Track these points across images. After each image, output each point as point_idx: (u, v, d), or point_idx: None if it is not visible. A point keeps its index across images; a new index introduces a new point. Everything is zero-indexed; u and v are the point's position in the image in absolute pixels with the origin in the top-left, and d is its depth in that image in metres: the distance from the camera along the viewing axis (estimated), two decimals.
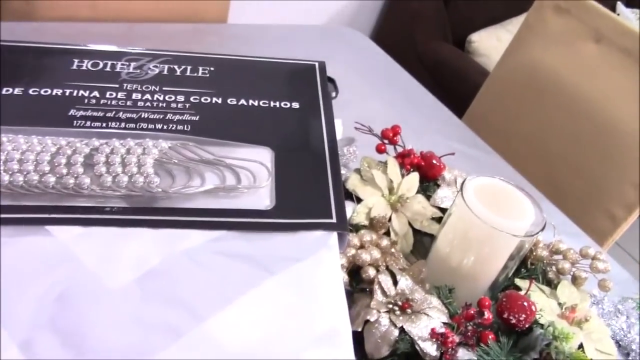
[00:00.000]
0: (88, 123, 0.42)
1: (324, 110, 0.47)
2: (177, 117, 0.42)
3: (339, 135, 0.65)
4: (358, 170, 0.61)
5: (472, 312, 0.48)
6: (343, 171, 0.60)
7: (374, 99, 0.96)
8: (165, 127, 0.42)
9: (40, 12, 0.89)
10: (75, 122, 0.42)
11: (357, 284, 0.50)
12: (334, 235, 0.41)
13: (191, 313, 0.33)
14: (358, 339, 0.47)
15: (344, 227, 0.41)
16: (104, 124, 0.42)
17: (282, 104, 0.47)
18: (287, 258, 0.38)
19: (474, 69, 1.73)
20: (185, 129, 0.42)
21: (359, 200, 0.58)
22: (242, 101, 0.46)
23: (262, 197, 0.41)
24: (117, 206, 0.38)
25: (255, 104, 0.46)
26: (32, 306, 0.32)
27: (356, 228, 0.55)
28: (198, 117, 0.43)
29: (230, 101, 0.45)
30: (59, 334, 0.31)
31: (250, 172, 0.41)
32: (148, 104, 0.43)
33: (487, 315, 0.47)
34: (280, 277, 0.36)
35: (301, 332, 0.35)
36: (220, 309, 0.33)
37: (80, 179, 0.38)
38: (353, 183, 0.60)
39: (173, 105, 0.43)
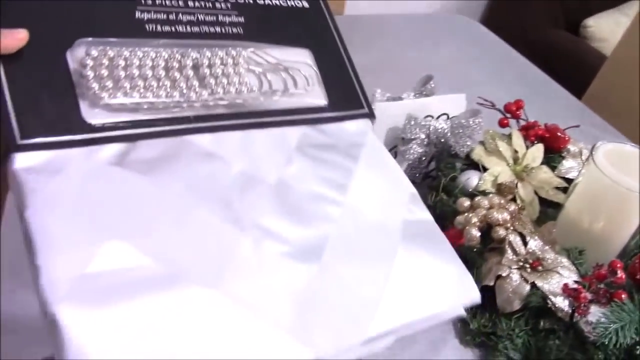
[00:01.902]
0: (159, 27, 0.42)
1: (327, 11, 0.50)
2: (227, 18, 0.45)
3: (462, 109, 0.67)
4: (482, 142, 0.64)
5: (603, 272, 0.49)
6: (468, 142, 0.63)
7: (490, 83, 0.97)
8: (222, 30, 0.44)
9: None
10: (147, 26, 0.41)
11: (487, 244, 0.53)
12: (369, 122, 0.47)
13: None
14: (490, 293, 0.50)
15: (373, 115, 0.47)
16: (172, 29, 0.42)
17: (296, 2, 0.49)
18: (357, 144, 0.45)
19: (591, 54, 1.67)
20: (239, 31, 0.45)
21: (484, 169, 0.61)
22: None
23: (318, 96, 0.46)
24: (226, 112, 0.42)
25: (276, 2, 0.48)
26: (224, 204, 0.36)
27: (483, 194, 0.57)
28: (243, 18, 0.46)
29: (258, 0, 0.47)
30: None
31: (301, 73, 0.45)
32: (197, 3, 0.44)
33: (620, 274, 0.48)
34: (363, 161, 0.43)
35: (392, 197, 0.42)
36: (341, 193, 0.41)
37: (199, 91, 0.41)
38: (478, 153, 0.62)
39: (218, 5, 0.45)
